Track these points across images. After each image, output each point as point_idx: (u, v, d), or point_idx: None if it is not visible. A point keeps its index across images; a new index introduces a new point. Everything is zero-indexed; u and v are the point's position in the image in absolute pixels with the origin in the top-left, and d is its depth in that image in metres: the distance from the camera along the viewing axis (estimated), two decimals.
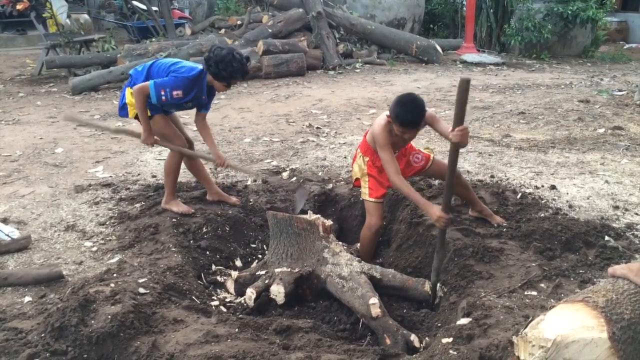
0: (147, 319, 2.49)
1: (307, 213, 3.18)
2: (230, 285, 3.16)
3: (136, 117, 3.53)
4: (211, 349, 2.26)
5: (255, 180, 4.35)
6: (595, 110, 6.71)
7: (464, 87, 2.36)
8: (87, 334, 2.31)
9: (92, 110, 6.91)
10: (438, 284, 2.99)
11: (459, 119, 2.51)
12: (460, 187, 3.40)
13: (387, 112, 2.96)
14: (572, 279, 2.78)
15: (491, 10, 11.82)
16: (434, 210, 2.79)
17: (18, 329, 2.45)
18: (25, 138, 5.64)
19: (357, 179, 3.35)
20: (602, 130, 5.76)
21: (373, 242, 3.39)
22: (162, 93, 3.28)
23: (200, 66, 3.40)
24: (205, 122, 3.70)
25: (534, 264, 2.89)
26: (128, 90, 3.49)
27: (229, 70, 3.29)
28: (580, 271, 2.85)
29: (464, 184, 3.43)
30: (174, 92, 3.29)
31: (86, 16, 12.32)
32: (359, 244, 3.47)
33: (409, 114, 2.82)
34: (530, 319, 1.90)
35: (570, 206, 3.75)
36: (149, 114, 3.48)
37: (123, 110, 3.60)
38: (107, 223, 3.64)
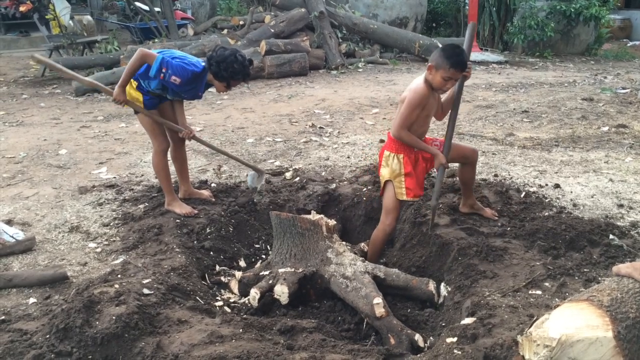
0: (152, 320, 2.50)
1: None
2: (234, 285, 3.16)
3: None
4: (215, 350, 2.26)
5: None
6: (599, 108, 6.69)
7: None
8: (91, 335, 2.31)
9: (95, 112, 6.93)
10: (442, 283, 2.99)
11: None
12: (467, 171, 3.36)
13: (425, 73, 2.98)
14: (576, 277, 2.77)
15: (494, 9, 11.80)
16: (441, 158, 3.10)
17: (23, 331, 2.46)
18: (29, 140, 5.66)
19: (387, 182, 3.19)
20: (606, 129, 5.74)
21: (384, 244, 3.38)
22: (164, 71, 3.28)
23: (204, 63, 3.42)
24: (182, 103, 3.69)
25: (538, 263, 2.89)
26: None
27: (229, 70, 3.30)
28: (585, 270, 2.84)
29: (472, 171, 3.37)
30: (173, 77, 3.29)
31: (89, 17, 12.33)
32: (362, 244, 3.47)
33: (459, 54, 2.93)
34: (534, 318, 1.91)
35: (575, 205, 3.74)
36: (142, 106, 3.51)
37: None
38: (111, 224, 3.65)
